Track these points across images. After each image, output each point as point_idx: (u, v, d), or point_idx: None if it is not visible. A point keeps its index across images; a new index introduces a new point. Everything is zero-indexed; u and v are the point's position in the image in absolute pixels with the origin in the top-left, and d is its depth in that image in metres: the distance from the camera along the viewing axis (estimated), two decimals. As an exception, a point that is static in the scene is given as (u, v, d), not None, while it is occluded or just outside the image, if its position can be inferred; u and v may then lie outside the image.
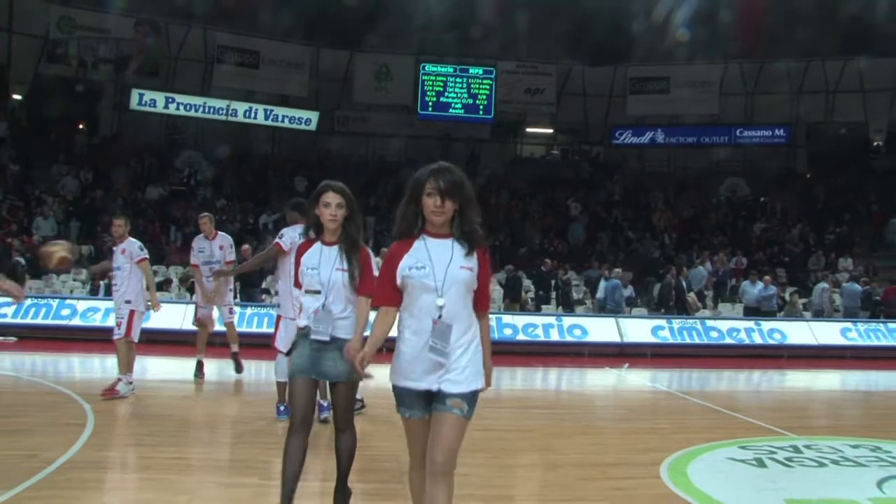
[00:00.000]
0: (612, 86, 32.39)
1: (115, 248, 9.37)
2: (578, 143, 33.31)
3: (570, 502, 5.54)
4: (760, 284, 19.56)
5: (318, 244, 4.76)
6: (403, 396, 3.75)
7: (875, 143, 31.52)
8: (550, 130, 33.75)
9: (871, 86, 30.58)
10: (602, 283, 19.29)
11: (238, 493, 5.37)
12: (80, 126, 29.46)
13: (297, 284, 4.83)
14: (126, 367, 9.05)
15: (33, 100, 28.05)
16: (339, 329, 4.62)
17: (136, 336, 9.15)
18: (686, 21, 27.21)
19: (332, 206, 4.65)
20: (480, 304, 3.79)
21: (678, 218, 28.34)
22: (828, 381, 14.54)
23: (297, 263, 4.80)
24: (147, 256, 9.32)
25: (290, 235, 7.50)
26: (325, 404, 7.62)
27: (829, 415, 10.82)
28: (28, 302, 15.53)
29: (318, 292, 4.66)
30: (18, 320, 15.30)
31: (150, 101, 29.27)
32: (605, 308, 18.72)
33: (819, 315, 19.65)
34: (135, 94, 28.93)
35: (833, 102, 31.15)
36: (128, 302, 9.07)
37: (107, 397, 8.80)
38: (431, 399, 3.70)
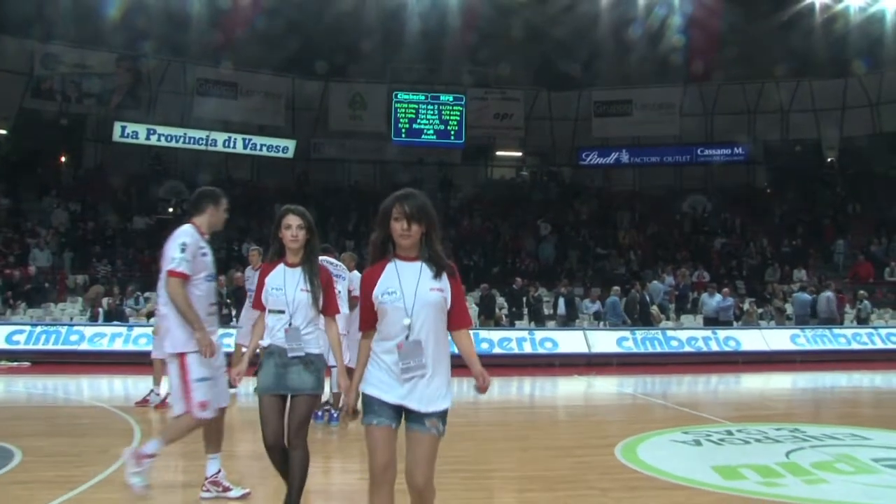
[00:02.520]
0: (577, 109, 33.73)
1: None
2: (547, 165, 34.54)
3: (539, 471, 6.78)
4: (718, 296, 20.84)
5: (281, 266, 4.91)
6: (373, 404, 3.77)
7: (829, 160, 33.05)
8: (519, 153, 34.96)
9: (822, 105, 32.17)
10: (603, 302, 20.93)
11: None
12: (63, 159, 30.24)
13: (259, 306, 4.99)
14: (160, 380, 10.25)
15: (18, 134, 28.86)
16: (304, 346, 4.80)
17: None
18: (646, 47, 28.75)
19: (292, 227, 4.84)
20: (461, 322, 3.90)
21: (643, 235, 29.62)
22: (771, 381, 15.76)
23: (261, 284, 4.93)
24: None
25: None
26: (334, 413, 8.70)
27: (762, 406, 12.15)
28: (38, 329, 16.62)
29: (283, 312, 4.81)
30: (31, 346, 16.43)
31: (133, 132, 30.15)
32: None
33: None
34: (117, 126, 29.79)
35: (788, 121, 32.72)
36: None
37: (141, 405, 10.18)
38: (400, 412, 3.77)
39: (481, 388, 3.79)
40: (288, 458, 4.74)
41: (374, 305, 3.79)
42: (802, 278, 24.90)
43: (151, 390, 10.35)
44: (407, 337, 3.72)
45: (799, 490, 5.89)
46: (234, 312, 17.79)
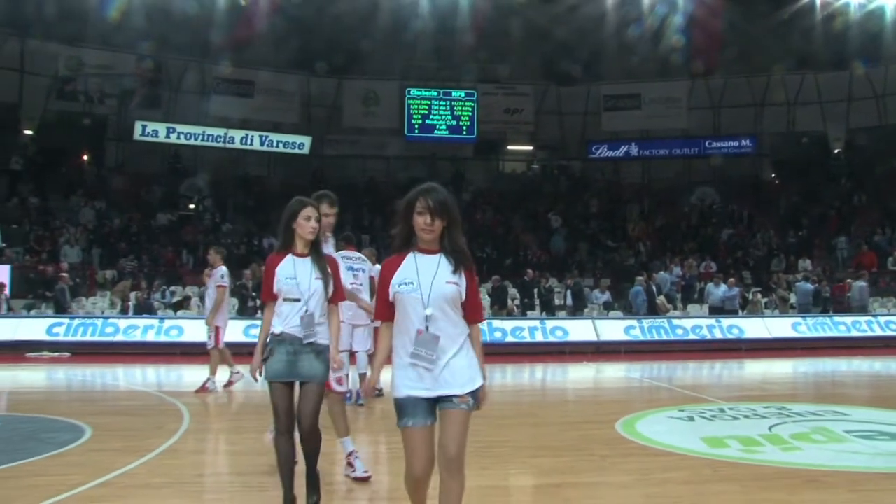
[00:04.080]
0: (586, 103, 34.32)
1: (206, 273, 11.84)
2: (557, 159, 35.24)
3: (547, 442, 7.62)
4: (724, 286, 21.57)
5: (289, 256, 4.99)
6: (406, 406, 3.81)
7: (835, 151, 33.58)
8: (530, 147, 35.63)
9: (828, 97, 32.70)
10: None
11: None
12: (85, 158, 31.16)
13: (269, 297, 5.03)
14: (215, 370, 11.35)
15: (42, 135, 29.81)
16: (316, 334, 4.93)
17: (221, 345, 11.38)
18: (653, 42, 29.39)
19: (312, 219, 4.97)
20: (474, 316, 3.96)
21: (652, 227, 30.31)
22: (770, 366, 16.43)
23: (271, 276, 4.99)
24: (224, 284, 11.35)
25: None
26: (354, 391, 9.50)
27: (758, 389, 12.94)
28: (76, 322, 17.63)
29: (298, 300, 4.91)
30: (70, 338, 17.50)
31: (153, 131, 30.97)
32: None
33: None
34: (138, 125, 30.63)
35: (794, 114, 33.24)
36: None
37: (200, 393, 11.05)
38: (433, 407, 3.83)
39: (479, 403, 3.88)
40: (293, 442, 4.91)
41: (391, 295, 3.88)
42: (807, 268, 25.54)
43: (232, 371, 11.39)
44: (427, 328, 3.80)
45: (775, 456, 6.68)
46: (258, 304, 18.62)
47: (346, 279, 8.20)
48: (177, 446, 7.20)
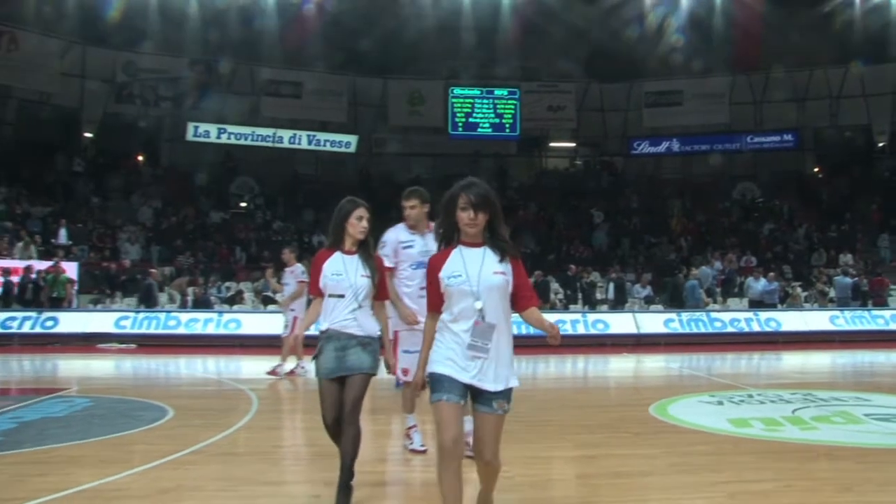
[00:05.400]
0: (628, 100, 34.80)
1: (285, 271, 12.93)
2: (599, 155, 35.72)
3: (586, 422, 8.35)
4: (763, 280, 21.98)
5: (337, 253, 5.15)
6: (443, 381, 3.91)
7: (879, 145, 33.55)
8: (572, 144, 36.18)
9: (872, 90, 32.59)
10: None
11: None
12: (140, 158, 32.36)
13: (316, 292, 5.20)
14: (286, 357, 12.34)
15: (101, 137, 31.10)
16: (363, 328, 5.08)
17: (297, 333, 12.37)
18: (695, 38, 29.75)
19: (364, 220, 5.14)
20: (529, 301, 4.07)
21: (693, 222, 30.65)
22: (805, 358, 16.91)
23: (318, 271, 5.14)
24: (305, 280, 12.03)
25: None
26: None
27: (789, 377, 13.48)
28: (141, 315, 18.76)
29: (342, 296, 5.07)
30: (136, 330, 18.69)
31: (205, 132, 32.09)
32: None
33: None
34: (190, 126, 31.78)
35: (837, 107, 33.21)
36: (292, 310, 12.47)
37: (273, 375, 12.29)
38: (467, 390, 3.94)
39: (553, 336, 4.00)
40: (340, 431, 5.03)
41: (441, 288, 3.97)
42: (849, 263, 25.73)
43: (298, 363, 12.30)
44: (483, 318, 3.91)
45: (793, 434, 7.30)
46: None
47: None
48: (251, 423, 8.05)
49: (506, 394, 3.96)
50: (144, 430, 7.51)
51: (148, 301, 20.69)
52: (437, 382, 3.93)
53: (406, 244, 6.54)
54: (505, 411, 3.95)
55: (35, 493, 5.19)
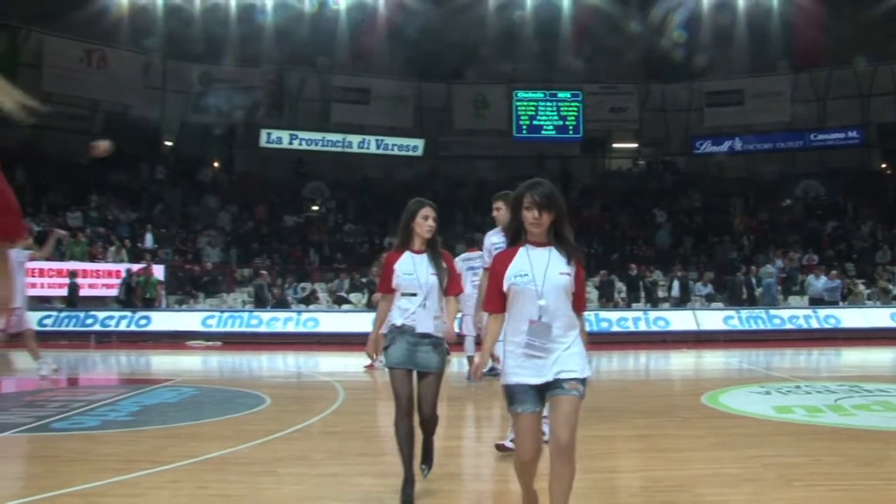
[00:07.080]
0: (689, 100, 35.14)
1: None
2: (661, 155, 36.15)
3: (642, 408, 9.13)
4: (824, 278, 22.27)
5: (407, 253, 5.26)
6: (515, 393, 3.96)
7: (947, 140, 33.27)
8: (635, 145, 36.72)
9: (940, 84, 32.37)
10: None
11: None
12: (216, 165, 33.89)
13: (386, 290, 5.34)
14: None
15: (180, 145, 32.75)
16: (434, 327, 5.18)
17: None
18: (755, 37, 30.03)
19: (430, 219, 5.24)
20: (578, 306, 4.08)
21: (755, 221, 30.88)
22: (863, 354, 17.19)
23: (390, 271, 5.25)
24: None
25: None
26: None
27: (840, 371, 14.11)
28: (226, 315, 20.10)
29: (415, 294, 5.18)
30: (221, 329, 20.05)
31: (277, 138, 33.59)
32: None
33: None
34: (263, 133, 33.29)
35: (903, 102, 33.10)
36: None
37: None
38: (542, 393, 3.97)
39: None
40: (413, 424, 5.19)
41: (505, 287, 4.00)
42: (916, 259, 25.76)
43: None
44: (540, 318, 3.94)
45: (831, 419, 7.98)
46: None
47: (468, 278, 9.85)
48: (342, 409, 9.11)
49: (580, 380, 3.96)
50: (249, 414, 8.56)
51: (261, 299, 22.08)
52: (511, 394, 4.00)
53: (497, 245, 6.70)
54: (580, 393, 3.94)
55: (171, 458, 6.23)
